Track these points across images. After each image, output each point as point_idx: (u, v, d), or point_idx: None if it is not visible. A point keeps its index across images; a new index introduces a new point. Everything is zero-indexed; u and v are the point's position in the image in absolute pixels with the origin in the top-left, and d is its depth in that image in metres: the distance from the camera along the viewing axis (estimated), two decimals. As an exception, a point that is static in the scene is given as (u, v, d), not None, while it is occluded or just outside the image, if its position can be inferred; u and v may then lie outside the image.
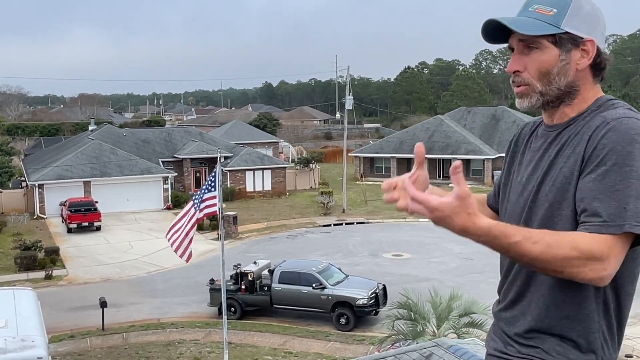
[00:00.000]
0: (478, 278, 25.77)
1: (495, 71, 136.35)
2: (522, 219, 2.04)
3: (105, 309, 21.72)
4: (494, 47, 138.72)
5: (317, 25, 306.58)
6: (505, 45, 2.09)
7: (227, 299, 17.82)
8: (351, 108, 47.77)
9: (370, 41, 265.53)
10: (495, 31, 2.01)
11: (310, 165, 56.46)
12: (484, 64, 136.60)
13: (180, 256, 15.14)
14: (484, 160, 53.71)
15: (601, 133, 1.86)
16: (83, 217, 37.56)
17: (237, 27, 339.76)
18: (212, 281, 23.49)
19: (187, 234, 14.78)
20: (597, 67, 2.04)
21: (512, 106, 72.95)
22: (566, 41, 1.96)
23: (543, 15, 1.95)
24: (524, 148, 2.22)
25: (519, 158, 2.22)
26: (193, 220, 14.95)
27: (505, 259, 2.14)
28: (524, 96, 2.02)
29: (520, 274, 2.08)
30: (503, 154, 55.85)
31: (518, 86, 2.02)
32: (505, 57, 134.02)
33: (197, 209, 14.90)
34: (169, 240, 15.23)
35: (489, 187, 51.58)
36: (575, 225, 1.89)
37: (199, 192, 15.59)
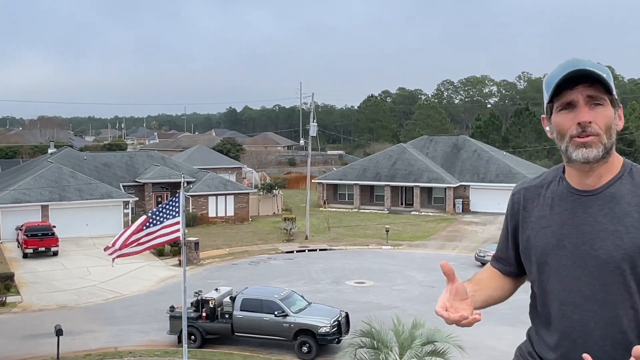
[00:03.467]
0: (440, 306, 25.90)
1: (456, 101, 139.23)
2: (595, 283, 2.16)
3: (60, 337, 21.04)
4: (455, 78, 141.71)
5: (276, 52, 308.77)
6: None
7: (188, 326, 17.50)
8: (315, 135, 48.03)
9: (333, 69, 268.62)
10: (570, 81, 2.11)
11: (274, 191, 56.35)
12: (445, 93, 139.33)
13: (110, 254, 14.81)
14: (445, 189, 54.47)
15: None
16: (40, 242, 36.59)
17: (192, 52, 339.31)
18: (172, 308, 23.06)
19: (131, 251, 14.51)
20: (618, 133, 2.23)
21: (473, 136, 74.55)
22: (615, 103, 2.15)
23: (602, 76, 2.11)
24: (542, 211, 2.31)
25: (540, 222, 2.30)
26: (150, 243, 14.72)
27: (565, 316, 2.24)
28: (592, 145, 2.12)
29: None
30: (464, 183, 56.20)
31: (588, 136, 2.11)
32: (466, 88, 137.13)
33: (152, 225, 14.65)
34: (113, 244, 14.87)
35: (450, 215, 52.30)
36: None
37: (153, 212, 15.36)
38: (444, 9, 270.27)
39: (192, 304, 23.00)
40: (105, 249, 15.42)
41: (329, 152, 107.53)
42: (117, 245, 14.62)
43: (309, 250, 39.68)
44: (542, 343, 2.33)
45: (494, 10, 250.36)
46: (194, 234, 39.82)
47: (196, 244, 35.89)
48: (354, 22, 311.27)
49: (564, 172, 2.30)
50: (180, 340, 19.16)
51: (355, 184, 57.55)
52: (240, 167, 68.46)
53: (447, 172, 56.65)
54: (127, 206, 44.74)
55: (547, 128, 2.26)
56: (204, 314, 22.80)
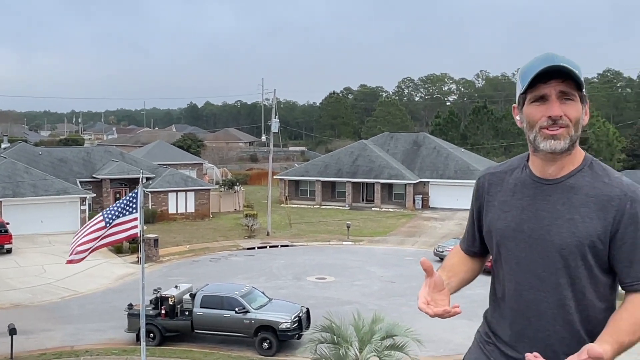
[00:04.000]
0: (400, 301, 26.24)
1: (416, 99, 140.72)
2: (549, 267, 2.28)
3: (14, 336, 20.52)
4: (416, 76, 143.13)
5: (237, 47, 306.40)
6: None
7: (146, 324, 17.27)
8: (277, 131, 47.90)
9: (295, 65, 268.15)
10: (544, 75, 2.20)
11: (235, 187, 56.00)
12: (406, 91, 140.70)
13: (70, 255, 14.49)
14: (405, 185, 55.03)
15: (627, 205, 2.21)
16: (-8, 239, 35.55)
17: (151, 46, 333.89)
18: (130, 306, 22.73)
19: (89, 249, 14.23)
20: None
21: (433, 133, 75.48)
22: (584, 99, 2.26)
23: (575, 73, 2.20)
24: (503, 196, 2.42)
25: (502, 207, 2.41)
26: (105, 240, 14.45)
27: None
28: (561, 138, 2.23)
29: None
30: (424, 179, 56.83)
31: (558, 128, 2.22)
32: (426, 86, 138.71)
33: (107, 224, 14.38)
34: (71, 244, 14.54)
35: (410, 211, 52.89)
36: (592, 269, 2.24)
37: (109, 209, 15.09)
38: (405, 7, 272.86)
39: (151, 301, 22.73)
40: (67, 263, 15.02)
41: (291, 149, 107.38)
42: (76, 250, 14.28)
43: (270, 247, 39.59)
44: (498, 322, 2.45)
45: (453, 9, 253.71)
46: (153, 230, 39.29)
47: (155, 240, 35.43)
48: (315, 18, 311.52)
49: (528, 160, 2.39)
50: (138, 339, 18.90)
51: (317, 180, 57.64)
52: (201, 163, 67.81)
53: (407, 169, 57.24)
54: (84, 202, 43.82)
55: (518, 117, 2.35)
56: (163, 312, 22.55)
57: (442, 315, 2.24)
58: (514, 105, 2.37)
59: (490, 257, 2.55)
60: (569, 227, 2.23)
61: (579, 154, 2.32)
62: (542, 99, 2.22)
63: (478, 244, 2.59)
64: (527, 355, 2.10)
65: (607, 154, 70.26)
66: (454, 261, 2.62)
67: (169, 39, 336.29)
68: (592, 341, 2.15)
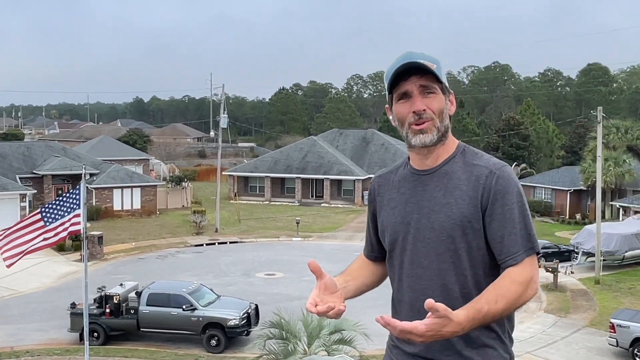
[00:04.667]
0: (348, 295, 26.40)
1: (365, 95, 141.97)
2: (430, 254, 2.34)
3: (-52, 339, 19.70)
4: (365, 73, 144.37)
5: (184, 41, 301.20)
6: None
7: (90, 323, 16.88)
8: (226, 127, 47.49)
9: (244, 61, 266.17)
10: (404, 73, 2.29)
11: (183, 183, 55.22)
12: (355, 88, 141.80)
13: (5, 259, 13.94)
14: (354, 181, 55.45)
15: (493, 181, 2.28)
16: None
17: (92, 38, 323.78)
18: (73, 305, 22.17)
19: (26, 250, 13.73)
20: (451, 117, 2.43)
21: (381, 129, 76.23)
22: (446, 90, 2.36)
23: (431, 68, 2.29)
24: (390, 194, 2.51)
25: (390, 203, 2.49)
26: (45, 242, 13.96)
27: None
28: (428, 131, 2.33)
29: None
30: (372, 175, 57.89)
31: (423, 122, 2.31)
32: (375, 83, 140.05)
33: (47, 223, 13.92)
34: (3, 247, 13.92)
35: (359, 206, 53.31)
36: (472, 250, 2.30)
37: (47, 205, 14.62)
38: (351, 3, 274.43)
39: (95, 300, 22.24)
40: (8, 267, 14.36)
41: (240, 145, 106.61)
42: (8, 247, 13.69)
43: (219, 243, 39.25)
44: (396, 318, 2.45)
45: (400, 6, 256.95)
46: (97, 227, 38.38)
47: (100, 238, 34.61)
48: (262, 14, 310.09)
49: (409, 158, 2.51)
50: (82, 338, 18.42)
51: (266, 176, 57.43)
52: (148, 159, 66.54)
53: (356, 165, 57.69)
54: (25, 199, 42.34)
55: (391, 117, 2.44)
56: (107, 310, 22.08)
57: (325, 313, 2.26)
58: (386, 106, 2.47)
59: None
60: (445, 211, 2.31)
61: (453, 142, 2.41)
62: (406, 95, 2.32)
63: (377, 248, 2.63)
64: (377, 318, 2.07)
65: (547, 151, 72.57)
66: (354, 266, 2.69)
67: (109, 31, 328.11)
68: (480, 330, 2.24)
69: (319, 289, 2.31)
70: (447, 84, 2.35)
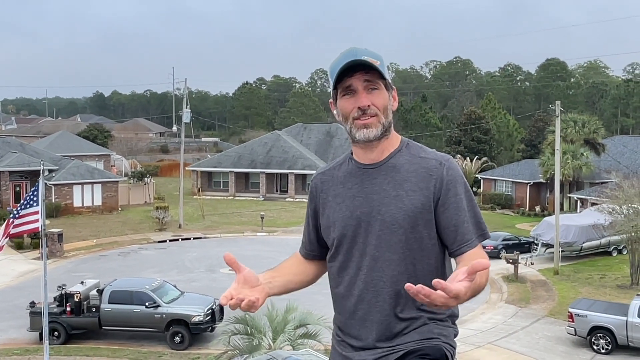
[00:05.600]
0: (313, 289, 26.29)
1: (329, 90, 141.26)
2: (381, 245, 2.36)
3: None
4: (327, 67, 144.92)
5: (145, 34, 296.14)
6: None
7: (50, 322, 16.57)
8: (189, 121, 46.94)
9: (207, 55, 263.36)
10: (349, 69, 2.32)
11: (145, 179, 54.46)
12: (319, 82, 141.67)
13: None
14: (319, 175, 55.47)
15: (444, 172, 2.36)
16: None
17: (42, 30, 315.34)
18: (32, 304, 21.69)
19: None
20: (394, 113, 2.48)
21: (345, 124, 76.40)
22: (389, 86, 2.40)
23: (375, 64, 2.32)
24: (336, 190, 2.50)
25: (336, 199, 2.48)
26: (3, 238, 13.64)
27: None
28: (372, 126, 2.36)
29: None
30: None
31: (368, 118, 2.34)
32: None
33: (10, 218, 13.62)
34: None
35: (323, 201, 53.38)
36: (423, 240, 2.34)
37: (17, 208, 14.32)
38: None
39: (55, 298, 21.83)
40: None
41: (203, 139, 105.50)
42: None
43: (182, 239, 38.89)
44: (342, 314, 2.48)
45: (362, 1, 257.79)
46: (57, 225, 37.59)
47: (60, 235, 33.92)
48: (221, 8, 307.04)
49: (352, 153, 2.52)
50: (41, 337, 18.05)
51: (230, 171, 57.06)
52: (109, 155, 65.44)
53: (320, 159, 57.75)
54: (-20, 196, 41.22)
55: (335, 112, 2.46)
56: (68, 309, 21.68)
57: (237, 306, 2.19)
58: (330, 100, 2.49)
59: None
60: (396, 203, 2.34)
61: (396, 137, 2.48)
62: (351, 91, 2.35)
63: (317, 246, 2.61)
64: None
65: (508, 144, 73.80)
66: (286, 263, 2.66)
67: (60, 22, 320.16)
68: (427, 315, 2.34)
69: (238, 282, 2.27)
70: (390, 80, 2.40)
